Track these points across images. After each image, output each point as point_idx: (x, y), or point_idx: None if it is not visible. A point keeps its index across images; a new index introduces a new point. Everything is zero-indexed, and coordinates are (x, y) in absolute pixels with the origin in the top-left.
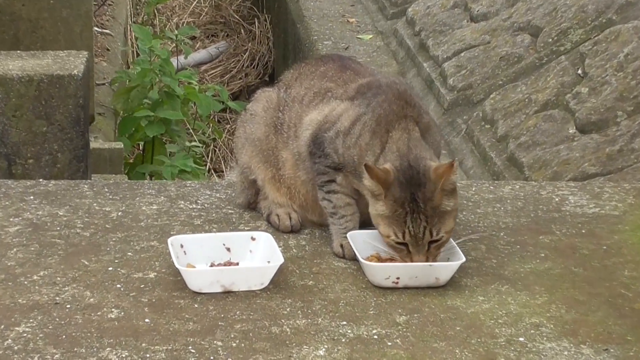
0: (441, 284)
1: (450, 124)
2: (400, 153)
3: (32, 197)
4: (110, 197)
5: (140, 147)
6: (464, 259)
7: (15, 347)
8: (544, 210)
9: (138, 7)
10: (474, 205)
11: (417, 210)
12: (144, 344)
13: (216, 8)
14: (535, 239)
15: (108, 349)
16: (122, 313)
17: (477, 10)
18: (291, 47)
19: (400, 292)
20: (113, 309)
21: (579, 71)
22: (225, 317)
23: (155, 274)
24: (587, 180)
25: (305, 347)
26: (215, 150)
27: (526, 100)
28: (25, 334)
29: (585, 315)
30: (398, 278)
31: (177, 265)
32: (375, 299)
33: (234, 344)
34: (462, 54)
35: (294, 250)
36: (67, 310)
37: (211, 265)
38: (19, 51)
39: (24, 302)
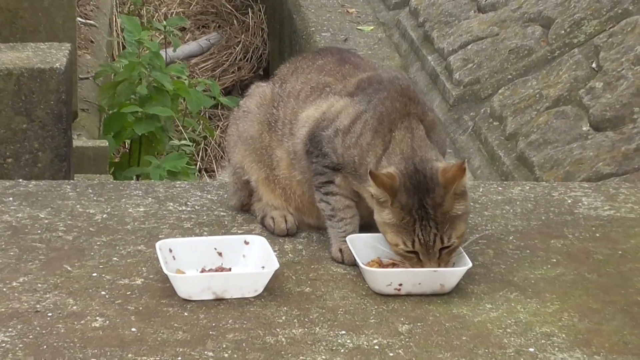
0: (446, 290)
1: (456, 121)
2: (404, 155)
3: (11, 199)
4: (95, 198)
5: (127, 146)
6: (470, 265)
7: None
8: (556, 213)
9: None
10: (481, 208)
11: (427, 217)
12: (130, 355)
13: None
14: (546, 243)
15: (92, 359)
16: (107, 322)
17: (485, 0)
18: (287, 39)
19: (402, 299)
20: (97, 318)
21: (593, 65)
22: (217, 326)
23: (143, 280)
24: (602, 180)
25: (301, 357)
26: (206, 149)
27: (537, 95)
28: (3, 344)
29: (599, 324)
30: (400, 284)
31: (165, 271)
32: (376, 306)
33: (225, 355)
34: (469, 47)
35: (290, 255)
36: (48, 318)
37: (202, 271)
38: None
39: (3, 310)
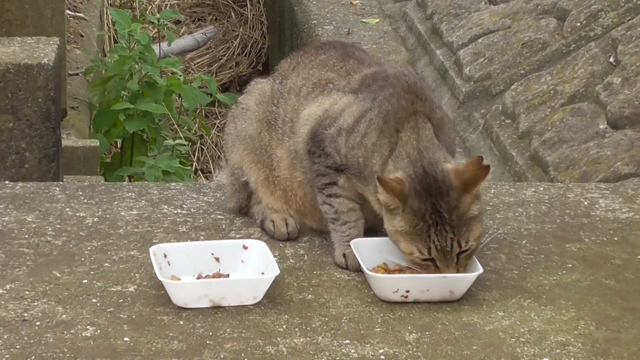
0: (456, 297)
1: (467, 118)
2: (411, 158)
3: None
4: (85, 201)
5: (119, 145)
6: (481, 270)
7: None
8: (572, 216)
9: None
10: (493, 210)
11: (442, 221)
12: None
13: None
14: (561, 248)
15: None
16: (99, 331)
17: None
18: (287, 33)
19: (410, 307)
20: (88, 327)
21: (611, 59)
22: (214, 336)
23: (136, 287)
24: (620, 181)
25: None
26: (202, 149)
27: (551, 91)
28: None
29: (617, 332)
30: (408, 291)
31: (160, 278)
32: (382, 314)
33: None
34: (480, 40)
35: (291, 260)
36: (36, 327)
37: (198, 277)
38: None
39: None
